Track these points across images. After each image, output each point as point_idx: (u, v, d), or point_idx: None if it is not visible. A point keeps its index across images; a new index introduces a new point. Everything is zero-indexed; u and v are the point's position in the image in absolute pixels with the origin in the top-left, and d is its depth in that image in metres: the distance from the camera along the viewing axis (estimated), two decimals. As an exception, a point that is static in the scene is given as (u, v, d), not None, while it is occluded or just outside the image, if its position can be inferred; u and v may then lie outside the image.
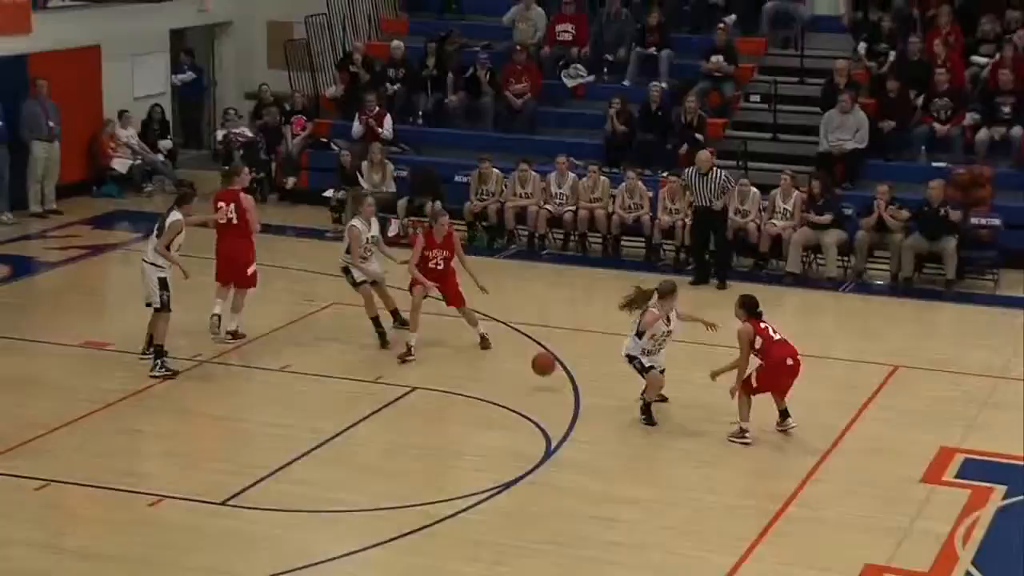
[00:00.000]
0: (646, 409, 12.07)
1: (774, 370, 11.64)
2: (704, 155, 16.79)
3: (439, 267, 13.73)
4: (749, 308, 11.76)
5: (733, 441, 11.66)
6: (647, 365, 11.88)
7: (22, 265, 16.57)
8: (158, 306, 12.84)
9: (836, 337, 15.26)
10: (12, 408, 12.04)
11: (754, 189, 17.03)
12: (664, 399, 12.25)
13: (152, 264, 12.92)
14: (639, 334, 11.88)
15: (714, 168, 16.68)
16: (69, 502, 10.34)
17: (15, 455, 10.99)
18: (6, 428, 11.47)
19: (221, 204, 13.80)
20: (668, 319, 11.89)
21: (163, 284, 12.87)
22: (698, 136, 18.50)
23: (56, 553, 9.48)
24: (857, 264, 16.91)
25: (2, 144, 18.10)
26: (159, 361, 12.78)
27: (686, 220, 17.16)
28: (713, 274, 16.47)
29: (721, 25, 19.78)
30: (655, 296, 11.90)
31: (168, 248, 12.91)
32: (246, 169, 15.06)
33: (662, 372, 11.98)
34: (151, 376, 12.68)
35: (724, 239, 16.66)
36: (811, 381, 12.10)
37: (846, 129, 18.09)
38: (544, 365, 12.91)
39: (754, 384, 11.66)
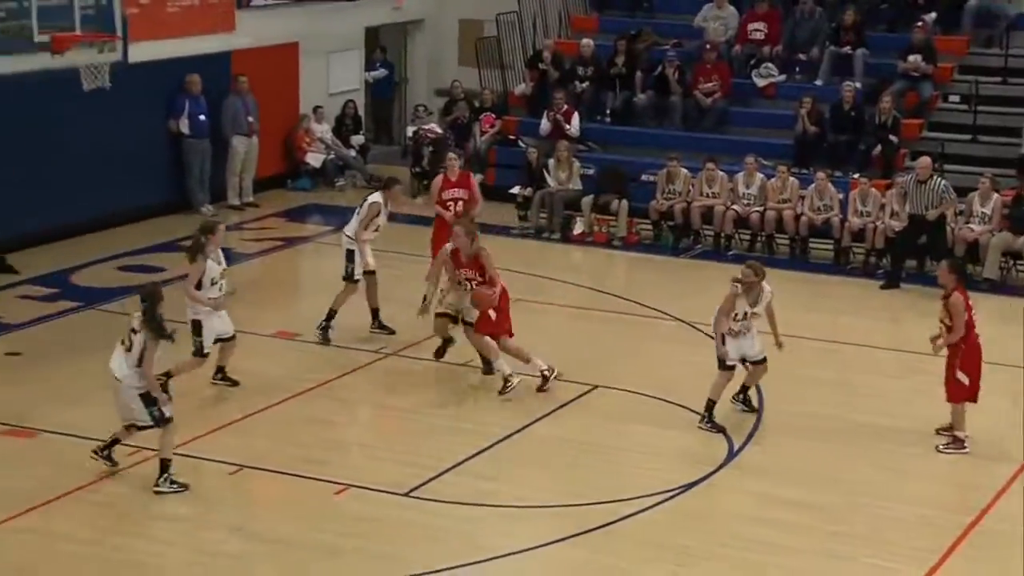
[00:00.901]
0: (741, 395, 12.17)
1: (974, 352, 11.28)
2: (924, 162, 16.35)
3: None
4: (960, 273, 11.42)
5: (948, 452, 11.34)
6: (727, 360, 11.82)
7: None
8: (344, 276, 13.37)
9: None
10: (208, 395, 12.44)
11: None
12: (747, 399, 12.14)
13: (348, 237, 13.64)
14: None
15: (933, 176, 16.24)
16: (260, 487, 10.63)
17: (212, 440, 11.34)
18: (203, 414, 11.85)
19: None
20: (753, 303, 11.74)
21: (349, 256, 13.49)
22: (892, 138, 18.07)
23: (246, 537, 9.75)
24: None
25: (204, 139, 18.70)
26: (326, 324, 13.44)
27: (877, 223, 16.77)
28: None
29: (920, 23, 19.27)
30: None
31: (366, 229, 13.36)
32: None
33: (756, 362, 11.89)
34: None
35: (944, 248, 16.06)
36: (1008, 391, 11.69)
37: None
38: (481, 300, 12.47)
39: (964, 382, 11.27)
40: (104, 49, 14.04)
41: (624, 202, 18.14)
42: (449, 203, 14.58)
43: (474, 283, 12.47)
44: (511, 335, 12.67)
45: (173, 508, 10.09)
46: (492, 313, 12.48)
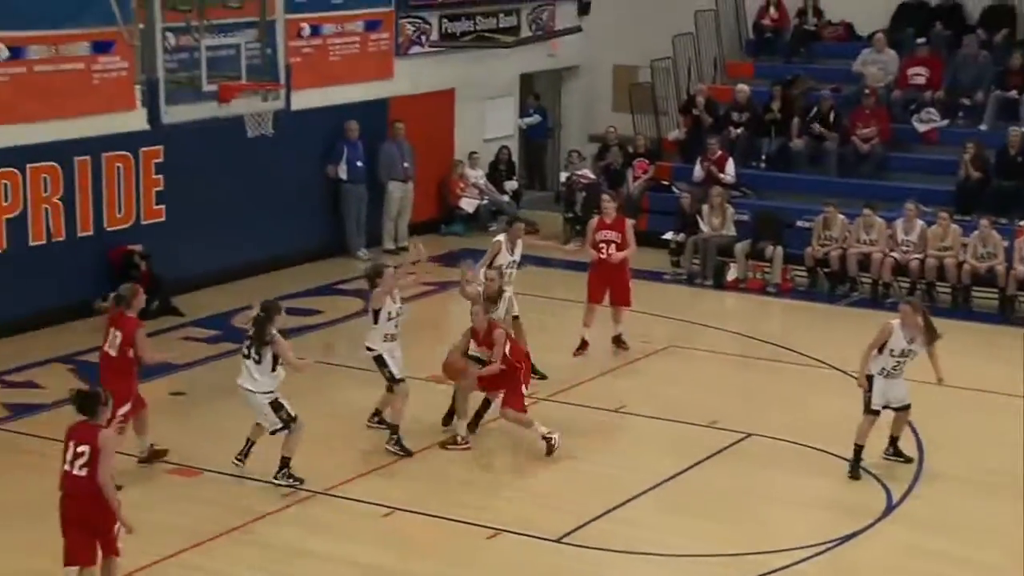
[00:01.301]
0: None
1: None
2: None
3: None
4: None
5: None
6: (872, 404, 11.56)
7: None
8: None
9: None
10: (363, 436, 12.60)
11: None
12: (897, 451, 11.88)
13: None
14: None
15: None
16: (412, 529, 10.70)
17: (365, 481, 11.48)
18: (357, 456, 12.00)
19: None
20: (910, 340, 11.43)
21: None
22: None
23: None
24: None
25: (361, 184, 19.05)
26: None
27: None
28: None
29: (1092, 65, 18.74)
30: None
31: (490, 266, 13.58)
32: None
33: (899, 408, 11.64)
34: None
35: None
36: None
37: None
38: (453, 371, 12.31)
39: None
40: (268, 97, 14.42)
41: (779, 248, 17.93)
42: (602, 244, 14.60)
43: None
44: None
45: (327, 548, 10.21)
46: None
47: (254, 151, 16.55)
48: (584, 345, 14.54)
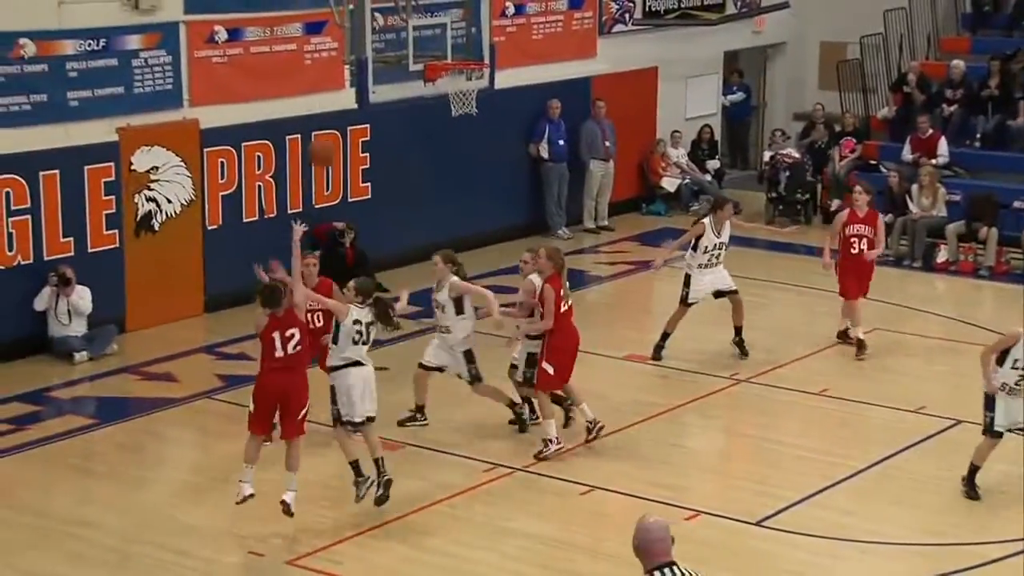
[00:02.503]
0: None
1: None
2: None
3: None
4: None
5: None
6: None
7: (576, 278, 17.38)
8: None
9: None
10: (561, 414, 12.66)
11: None
12: None
13: (686, 261, 13.79)
14: None
15: None
16: (610, 509, 10.71)
17: (565, 460, 11.52)
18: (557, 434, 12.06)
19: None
20: None
21: (685, 280, 13.73)
22: None
23: (595, 557, 9.85)
24: None
25: (562, 163, 19.10)
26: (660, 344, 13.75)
27: None
28: None
29: None
30: None
31: (695, 251, 13.50)
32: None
33: None
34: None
35: None
36: None
37: None
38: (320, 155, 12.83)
39: None
40: (472, 76, 14.56)
41: (994, 230, 17.30)
42: (853, 240, 13.95)
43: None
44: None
45: (525, 525, 10.30)
46: (549, 367, 11.44)
47: (458, 130, 16.73)
48: (861, 345, 13.90)
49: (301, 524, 10.12)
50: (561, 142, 19.00)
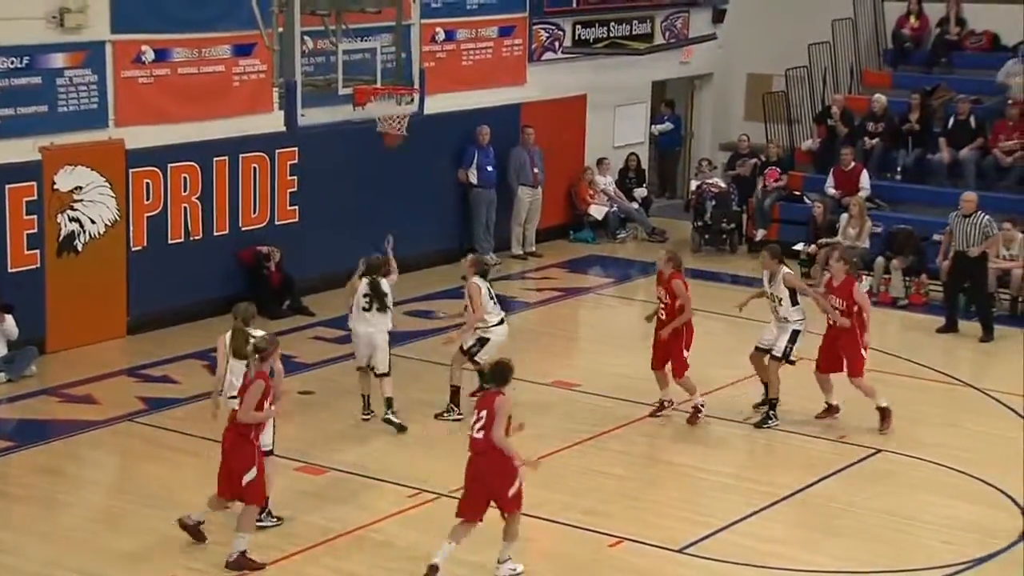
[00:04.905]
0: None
1: None
2: (969, 196, 16.23)
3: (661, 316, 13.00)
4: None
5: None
6: None
7: (502, 304, 17.36)
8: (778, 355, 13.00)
9: None
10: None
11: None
12: None
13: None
14: None
15: (978, 211, 15.95)
16: (533, 535, 10.67)
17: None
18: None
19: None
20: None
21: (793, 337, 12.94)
22: None
23: (520, 583, 9.85)
24: None
25: (491, 188, 19.14)
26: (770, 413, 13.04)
27: None
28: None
29: None
30: None
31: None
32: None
33: None
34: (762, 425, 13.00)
35: (983, 288, 15.82)
36: None
37: None
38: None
39: None
40: (402, 101, 14.56)
41: (895, 261, 17.64)
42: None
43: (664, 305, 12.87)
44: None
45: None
46: (686, 353, 12.91)
47: (387, 155, 16.71)
48: (831, 409, 13.17)
49: (223, 550, 10.01)
50: (490, 168, 19.05)
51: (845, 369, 12.86)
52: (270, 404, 9.92)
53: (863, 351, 12.76)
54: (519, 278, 18.68)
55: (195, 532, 10.16)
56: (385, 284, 12.85)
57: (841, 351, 12.81)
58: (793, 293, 12.89)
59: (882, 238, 18.29)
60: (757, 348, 13.26)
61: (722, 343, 15.09)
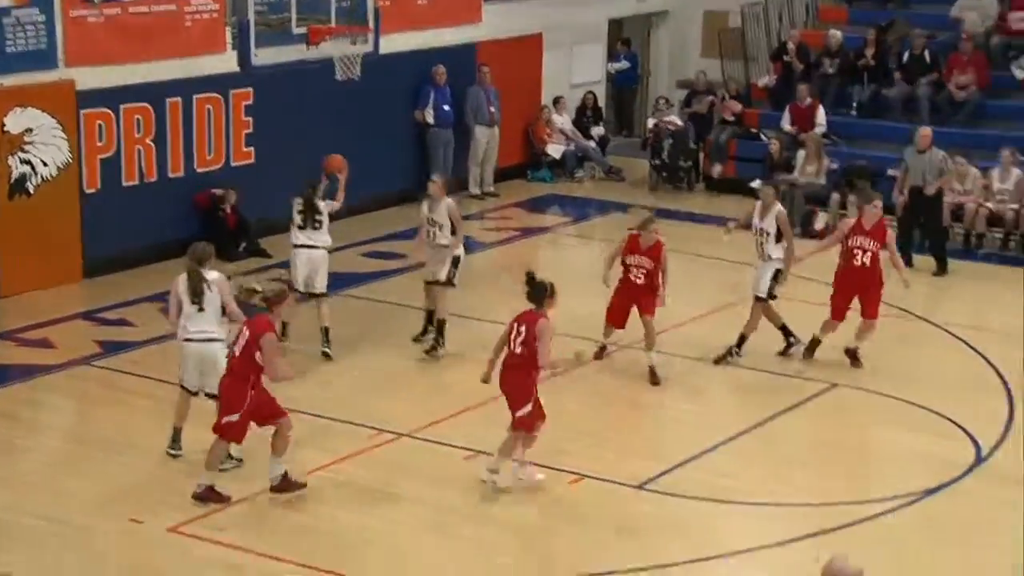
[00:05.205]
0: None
1: None
2: (924, 131, 16.23)
3: (638, 280, 12.57)
4: None
5: None
6: None
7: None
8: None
9: None
10: (442, 380, 12.68)
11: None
12: None
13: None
14: None
15: (932, 147, 16.00)
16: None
17: (450, 425, 11.54)
18: (436, 400, 12.08)
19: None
20: None
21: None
22: None
23: (480, 522, 9.88)
24: None
25: (447, 128, 19.05)
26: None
27: None
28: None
29: None
30: None
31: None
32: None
33: None
34: None
35: (938, 223, 15.94)
36: None
37: None
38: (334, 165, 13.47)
39: None
40: (357, 41, 14.42)
41: (852, 197, 17.69)
42: (856, 252, 12.69)
43: (643, 272, 12.47)
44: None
45: (410, 490, 10.29)
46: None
47: (342, 95, 16.59)
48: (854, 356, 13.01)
49: (183, 491, 10.00)
50: (446, 107, 18.94)
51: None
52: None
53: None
54: (477, 218, 18.62)
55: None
56: (322, 204, 12.97)
57: (864, 292, 12.66)
58: (779, 231, 12.89)
59: (838, 174, 18.37)
60: (756, 298, 13.09)
61: (680, 280, 15.07)
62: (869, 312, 12.79)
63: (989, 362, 13.02)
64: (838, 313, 12.89)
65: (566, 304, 14.74)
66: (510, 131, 20.09)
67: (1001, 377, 12.65)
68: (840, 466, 11.01)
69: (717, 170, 20.00)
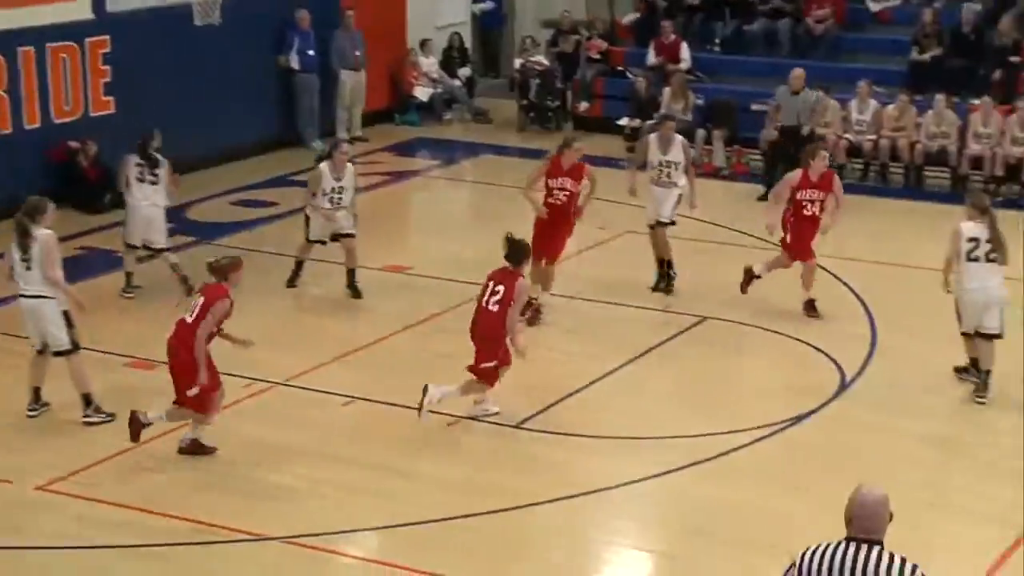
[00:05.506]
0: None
1: None
2: (797, 72, 16.50)
3: (558, 202, 12.47)
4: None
5: None
6: None
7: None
8: None
9: None
10: (321, 327, 12.61)
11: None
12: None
13: None
14: None
15: (806, 88, 16.29)
16: (371, 419, 10.72)
17: (326, 371, 11.49)
18: (316, 346, 12.01)
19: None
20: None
21: None
22: (1013, 59, 17.60)
23: (361, 467, 9.87)
24: None
25: (312, 73, 18.81)
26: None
27: (996, 150, 16.36)
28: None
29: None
30: None
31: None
32: None
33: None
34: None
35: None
36: None
37: None
38: None
39: None
40: (215, -15, 14.18)
41: (718, 132, 17.96)
42: (805, 204, 12.58)
43: (565, 193, 12.40)
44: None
45: (286, 439, 10.24)
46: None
47: (203, 41, 16.27)
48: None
49: (56, 449, 9.82)
50: (311, 52, 18.70)
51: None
52: (214, 332, 9.67)
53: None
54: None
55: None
56: (163, 161, 12.85)
57: (806, 239, 12.62)
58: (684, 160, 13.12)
59: (702, 110, 18.58)
60: (659, 223, 13.17)
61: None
62: (807, 254, 12.67)
63: (852, 290, 13.32)
64: (805, 254, 12.67)
65: (440, 247, 14.91)
66: (376, 75, 19.92)
67: (864, 305, 12.96)
68: (711, 398, 11.19)
69: (584, 107, 20.08)
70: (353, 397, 10.96)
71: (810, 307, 12.68)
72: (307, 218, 13.39)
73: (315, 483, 9.64)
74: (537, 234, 12.34)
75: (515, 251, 10.34)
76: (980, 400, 10.86)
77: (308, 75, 18.73)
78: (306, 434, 10.34)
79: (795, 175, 12.68)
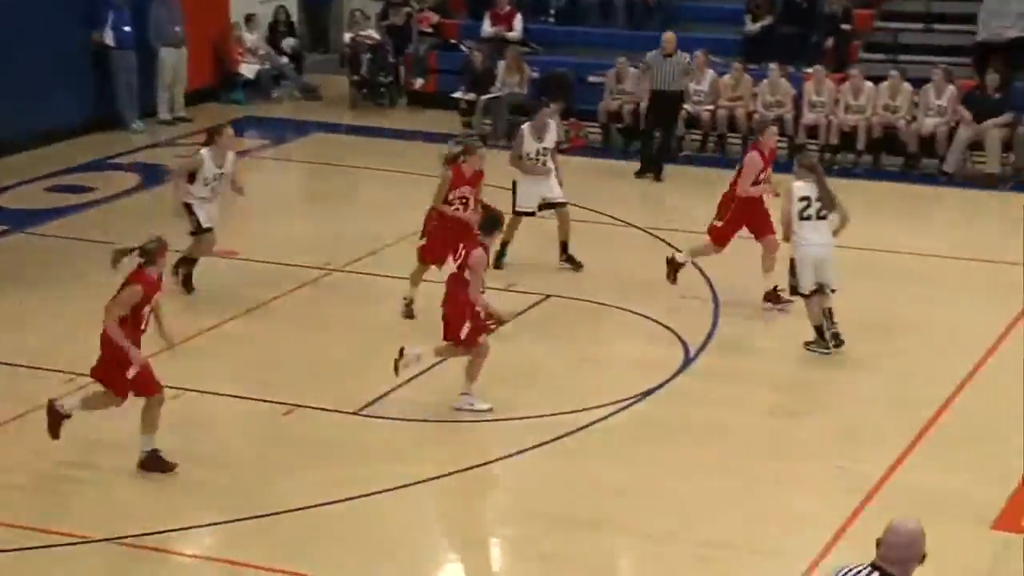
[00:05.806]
0: None
1: None
2: (669, 36, 16.46)
3: (458, 212, 11.76)
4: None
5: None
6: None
7: (152, 174, 16.44)
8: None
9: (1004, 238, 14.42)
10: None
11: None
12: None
13: None
14: None
15: (678, 51, 16.27)
16: (203, 410, 10.17)
17: (156, 361, 10.79)
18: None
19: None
20: None
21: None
22: (845, 27, 17.72)
23: (190, 459, 9.31)
24: (1018, 161, 16.18)
25: (130, 50, 17.95)
26: None
27: (830, 118, 16.42)
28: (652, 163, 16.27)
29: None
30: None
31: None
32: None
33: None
34: None
35: (671, 128, 16.43)
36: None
37: (1007, 16, 17.10)
38: None
39: None
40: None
41: (552, 107, 17.63)
42: (760, 181, 12.12)
43: (468, 202, 11.73)
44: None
45: (115, 434, 9.60)
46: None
47: (10, 16, 15.38)
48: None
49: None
50: (127, 28, 17.84)
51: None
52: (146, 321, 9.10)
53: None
54: (168, 145, 17.71)
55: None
56: None
57: (757, 217, 12.18)
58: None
59: (537, 83, 18.28)
60: (551, 205, 12.92)
61: (393, 201, 14.73)
62: (767, 230, 12.18)
63: (695, 265, 13.14)
64: (724, 240, 12.32)
65: (266, 229, 14.32)
66: (199, 51, 19.13)
67: (706, 278, 12.82)
68: (558, 376, 10.94)
69: (419, 83, 19.62)
70: (184, 389, 10.32)
71: (773, 295, 12.09)
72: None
73: (148, 479, 9.03)
74: (439, 239, 11.70)
75: (485, 221, 10.28)
76: (824, 352, 11.03)
77: (125, 52, 17.87)
78: (132, 429, 9.70)
79: (756, 156, 12.12)
